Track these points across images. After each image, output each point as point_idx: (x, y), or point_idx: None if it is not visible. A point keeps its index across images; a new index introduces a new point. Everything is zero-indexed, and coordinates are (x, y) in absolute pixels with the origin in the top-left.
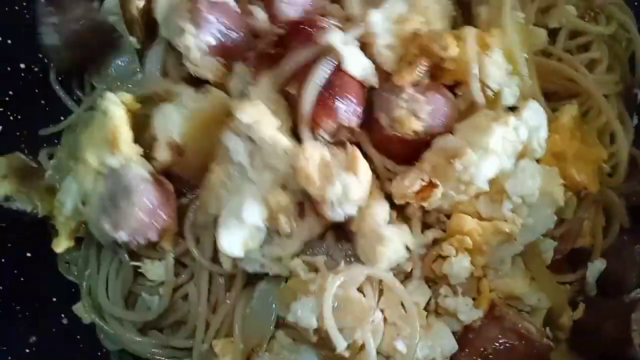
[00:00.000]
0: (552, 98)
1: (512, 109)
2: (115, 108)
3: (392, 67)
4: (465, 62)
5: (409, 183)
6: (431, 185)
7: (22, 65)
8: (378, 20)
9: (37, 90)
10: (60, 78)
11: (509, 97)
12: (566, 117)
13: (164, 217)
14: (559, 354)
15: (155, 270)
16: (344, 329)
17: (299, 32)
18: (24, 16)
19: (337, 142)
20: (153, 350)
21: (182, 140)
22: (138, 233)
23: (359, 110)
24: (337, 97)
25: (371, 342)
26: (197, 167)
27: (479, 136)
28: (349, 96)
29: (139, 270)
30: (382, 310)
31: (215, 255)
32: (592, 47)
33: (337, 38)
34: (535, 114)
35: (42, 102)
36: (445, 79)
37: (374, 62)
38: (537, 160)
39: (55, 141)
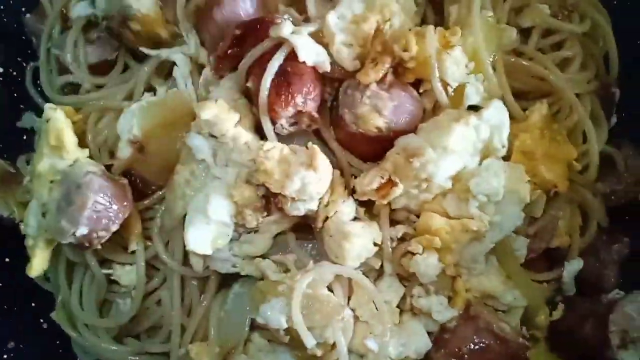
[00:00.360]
0: (524, 97)
1: (478, 108)
2: (56, 113)
3: (352, 64)
4: (425, 61)
5: (368, 180)
6: (390, 182)
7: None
8: (334, 19)
9: (15, 95)
10: (38, 82)
11: (473, 95)
12: (536, 116)
13: (121, 206)
14: (538, 353)
15: (127, 275)
16: (315, 328)
17: (255, 30)
18: (1, 20)
19: (300, 132)
20: (130, 357)
21: (143, 135)
22: (97, 225)
23: (315, 94)
24: (292, 84)
25: (342, 340)
26: (160, 168)
27: (440, 135)
28: (304, 82)
29: (112, 278)
30: (353, 309)
31: (186, 258)
32: (565, 45)
33: (287, 29)
34: (497, 112)
35: (21, 106)
36: (407, 77)
37: (334, 60)
38: (507, 158)
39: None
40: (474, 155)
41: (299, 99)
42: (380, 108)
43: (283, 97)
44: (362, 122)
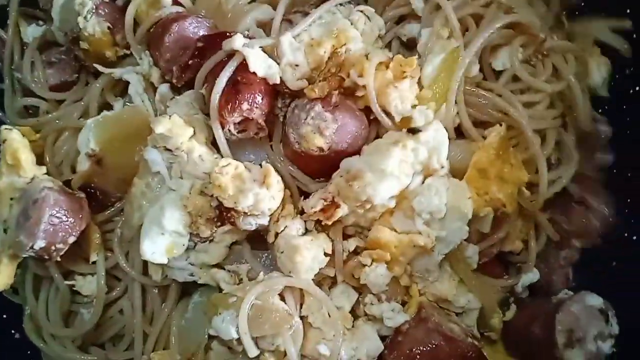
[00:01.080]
0: (485, 127)
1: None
2: (12, 134)
3: (296, 84)
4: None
5: (312, 203)
6: (334, 204)
7: None
8: (288, 39)
9: None
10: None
11: (419, 119)
12: (494, 137)
13: (77, 219)
14: (494, 353)
15: (89, 285)
16: (266, 337)
17: (214, 43)
18: None
19: (254, 145)
20: None
21: (100, 149)
22: (54, 238)
23: (263, 104)
24: (240, 92)
25: (291, 348)
26: (120, 180)
27: (379, 159)
28: (251, 91)
29: (75, 289)
30: (305, 316)
31: (146, 267)
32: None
33: (240, 42)
34: (435, 134)
35: None
36: (358, 103)
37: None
38: (462, 174)
39: None
40: (415, 176)
41: (244, 106)
42: (322, 129)
43: (230, 103)
44: (305, 142)
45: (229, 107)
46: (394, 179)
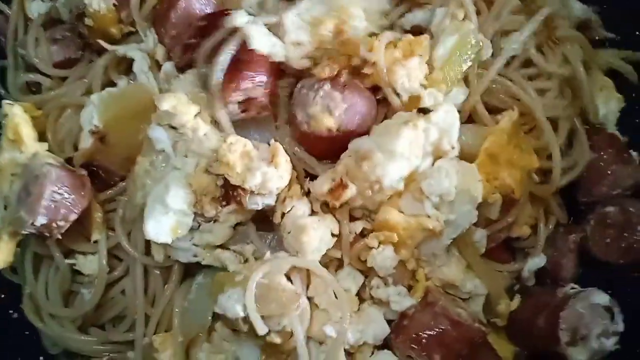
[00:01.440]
0: (498, 113)
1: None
2: (13, 109)
3: (300, 63)
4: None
5: (320, 183)
6: (342, 185)
7: None
8: (292, 17)
9: None
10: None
11: (428, 99)
12: (506, 122)
13: (79, 196)
14: (499, 340)
15: (89, 265)
16: (272, 317)
17: (216, 21)
18: None
19: (260, 125)
20: (95, 347)
21: (103, 126)
22: (56, 215)
23: (265, 82)
24: (242, 70)
25: (298, 328)
26: (124, 159)
27: (388, 139)
28: (253, 69)
29: (76, 268)
30: (312, 297)
31: (149, 247)
32: (542, 77)
33: (241, 19)
34: (446, 115)
35: None
36: (365, 82)
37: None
38: (473, 158)
39: None
40: (425, 157)
41: (246, 84)
42: (331, 108)
43: (233, 82)
44: (314, 122)
45: (231, 85)
46: (403, 160)
